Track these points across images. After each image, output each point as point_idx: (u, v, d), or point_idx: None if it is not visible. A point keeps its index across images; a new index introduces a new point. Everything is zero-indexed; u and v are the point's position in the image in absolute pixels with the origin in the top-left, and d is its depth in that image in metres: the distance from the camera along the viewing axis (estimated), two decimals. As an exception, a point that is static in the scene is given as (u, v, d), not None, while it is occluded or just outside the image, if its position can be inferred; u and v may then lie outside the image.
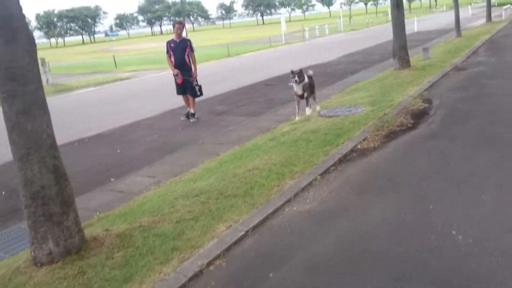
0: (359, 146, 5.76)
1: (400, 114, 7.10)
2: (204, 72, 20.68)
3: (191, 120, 9.66)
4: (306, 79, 7.89)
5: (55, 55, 53.59)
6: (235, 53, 29.62)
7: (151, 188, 5.70)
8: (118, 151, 7.92)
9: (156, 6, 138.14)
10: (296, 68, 8.00)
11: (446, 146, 5.57)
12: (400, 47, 11.69)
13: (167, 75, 22.23)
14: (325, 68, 16.18)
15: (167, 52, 9.60)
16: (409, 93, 8.64)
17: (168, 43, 9.62)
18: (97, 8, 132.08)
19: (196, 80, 9.61)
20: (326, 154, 5.50)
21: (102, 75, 24.46)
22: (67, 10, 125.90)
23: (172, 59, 9.56)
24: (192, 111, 9.75)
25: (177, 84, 9.70)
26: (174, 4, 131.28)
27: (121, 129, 9.77)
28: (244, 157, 6.17)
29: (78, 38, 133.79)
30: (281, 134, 7.02)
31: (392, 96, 8.51)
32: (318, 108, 8.42)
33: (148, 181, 6.14)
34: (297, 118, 8.13)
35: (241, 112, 10.08)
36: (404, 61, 11.72)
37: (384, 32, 25.31)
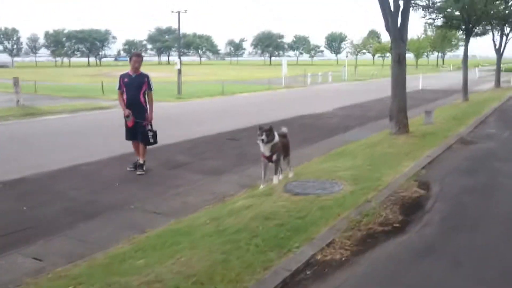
0: (319, 257, 4.00)
1: (386, 204, 5.39)
2: (187, 109, 19.28)
3: (138, 173, 7.94)
4: (277, 138, 6.26)
5: (52, 75, 52.60)
6: (230, 91, 28.24)
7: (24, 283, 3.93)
8: (24, 208, 6.16)
9: (166, 36, 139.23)
10: (267, 122, 6.49)
11: (444, 274, 3.81)
12: (399, 110, 10.09)
13: (156, 108, 20.80)
14: (316, 120, 14.61)
15: (119, 87, 7.98)
16: (403, 171, 6.95)
17: (122, 77, 8.01)
18: (107, 32, 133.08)
19: (151, 125, 7.96)
20: (266, 268, 3.73)
21: (85, 100, 22.98)
22: (77, 31, 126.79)
23: (124, 96, 7.93)
24: (141, 161, 8.05)
25: (127, 127, 8.04)
26: (184, 36, 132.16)
27: (53, 174, 8.02)
28: (165, 247, 4.44)
29: (85, 60, 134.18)
30: (228, 212, 5.30)
31: (382, 171, 6.82)
32: (291, 174, 6.76)
33: (29, 267, 4.38)
34: (261, 186, 6.45)
35: (202, 168, 8.37)
36: (402, 126, 10.11)
37: (388, 86, 23.77)
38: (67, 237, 5.15)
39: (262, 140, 6.15)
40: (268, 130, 6.18)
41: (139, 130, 7.92)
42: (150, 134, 7.90)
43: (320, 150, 9.70)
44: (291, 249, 4.03)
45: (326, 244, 4.11)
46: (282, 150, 6.43)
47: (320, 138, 11.14)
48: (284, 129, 6.75)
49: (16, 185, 7.34)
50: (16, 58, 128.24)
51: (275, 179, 6.64)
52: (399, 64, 10.23)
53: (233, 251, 4.01)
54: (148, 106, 8.04)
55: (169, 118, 16.14)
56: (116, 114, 17.54)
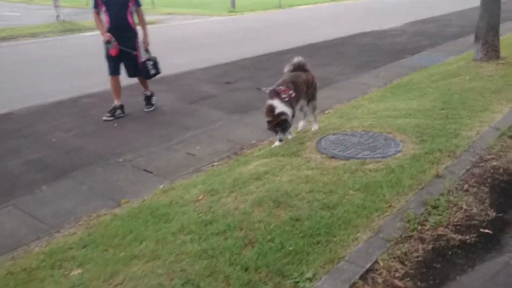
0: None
1: (468, 182, 3.52)
2: (232, 27, 17.05)
3: (145, 110, 6.43)
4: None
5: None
6: (287, 4, 25.47)
7: None
8: (-12, 158, 4.94)
9: None
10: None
11: None
12: (489, 28, 7.61)
13: (203, 23, 18.87)
14: (380, 39, 12.20)
15: (95, 5, 5.95)
16: (493, 119, 4.90)
17: None
18: None
19: (148, 51, 6.24)
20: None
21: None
22: None
23: (104, 17, 5.97)
24: (147, 92, 6.51)
25: (109, 57, 6.09)
26: None
27: (47, 108, 6.75)
28: (119, 247, 3.00)
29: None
30: (231, 183, 3.72)
31: (461, 120, 4.85)
32: (314, 128, 4.95)
33: None
34: (288, 136, 4.76)
35: (227, 102, 6.73)
36: (491, 49, 7.69)
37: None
38: (14, 208, 3.84)
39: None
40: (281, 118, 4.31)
41: (129, 61, 6.13)
42: (149, 63, 6.16)
43: (378, 79, 7.67)
44: (298, 283, 2.40)
45: (360, 275, 2.44)
46: (299, 91, 4.57)
47: (381, 63, 8.99)
48: (298, 59, 4.81)
49: (-3, 123, 6.14)
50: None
51: (301, 125, 5.02)
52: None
53: (200, 279, 2.46)
54: (140, 27, 6.21)
55: (212, 35, 14.35)
56: (159, 31, 15.95)
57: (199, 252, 2.72)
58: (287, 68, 4.79)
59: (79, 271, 2.78)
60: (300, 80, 4.61)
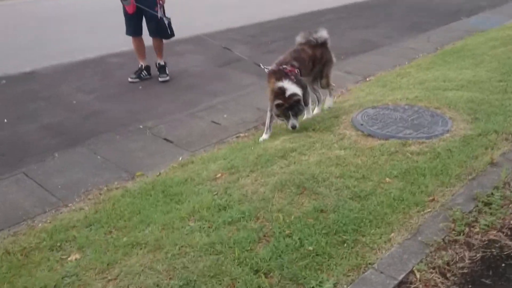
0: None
1: (529, 174, 2.99)
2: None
3: (160, 79, 5.83)
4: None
5: None
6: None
7: None
8: (5, 121, 4.75)
9: None
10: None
11: None
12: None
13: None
14: (433, -1, 11.19)
15: None
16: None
17: None
18: None
19: (163, 10, 5.58)
20: None
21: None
22: None
23: None
24: (161, 62, 5.90)
25: (126, 16, 5.60)
26: None
27: (71, 67, 6.51)
28: (126, 224, 2.74)
29: None
30: (253, 161, 3.35)
31: (523, 96, 4.21)
32: (328, 104, 4.43)
33: None
34: (315, 110, 4.33)
35: (263, 63, 6.25)
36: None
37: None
38: (24, 176, 3.64)
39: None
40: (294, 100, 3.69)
41: (152, 19, 5.53)
42: (165, 21, 5.53)
43: (429, 45, 6.97)
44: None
45: None
46: (304, 68, 4.00)
47: (432, 26, 8.20)
48: (322, 34, 4.16)
49: (20, 81, 5.95)
50: None
51: (317, 109, 4.43)
52: None
53: None
54: None
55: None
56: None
57: (206, 245, 2.38)
58: (299, 39, 4.16)
59: (77, 256, 2.53)
60: (304, 56, 4.01)
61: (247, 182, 3.06)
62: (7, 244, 2.75)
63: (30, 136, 4.41)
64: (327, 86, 4.34)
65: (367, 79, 5.54)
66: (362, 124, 3.75)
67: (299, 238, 2.38)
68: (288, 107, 3.66)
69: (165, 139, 4.26)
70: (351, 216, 2.52)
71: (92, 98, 5.33)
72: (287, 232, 2.44)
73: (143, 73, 5.84)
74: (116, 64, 6.60)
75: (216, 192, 2.98)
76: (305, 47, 4.08)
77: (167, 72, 5.91)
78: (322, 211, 2.61)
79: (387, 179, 2.90)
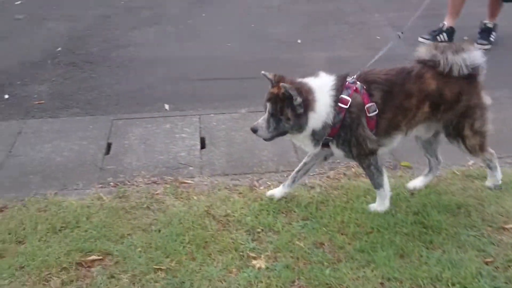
0: None
1: None
2: None
3: (478, 43, 4.42)
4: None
5: None
6: None
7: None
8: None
9: None
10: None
11: None
12: None
13: None
14: None
15: None
16: None
17: None
18: None
19: None
20: None
21: None
22: None
23: None
24: (489, 23, 4.58)
25: None
26: None
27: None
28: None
29: None
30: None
31: None
32: (490, 182, 2.65)
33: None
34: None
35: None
36: None
37: None
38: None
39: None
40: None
41: None
42: None
43: None
44: None
45: None
46: (397, 109, 2.34)
47: None
48: (472, 56, 2.31)
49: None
50: None
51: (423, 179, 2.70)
52: None
53: None
54: None
55: None
56: None
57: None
58: (421, 53, 2.40)
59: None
60: (412, 92, 2.31)
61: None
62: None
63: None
64: (480, 150, 2.50)
65: None
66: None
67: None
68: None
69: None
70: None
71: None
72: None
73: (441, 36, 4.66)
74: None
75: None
76: (426, 73, 2.33)
77: (491, 39, 4.53)
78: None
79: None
